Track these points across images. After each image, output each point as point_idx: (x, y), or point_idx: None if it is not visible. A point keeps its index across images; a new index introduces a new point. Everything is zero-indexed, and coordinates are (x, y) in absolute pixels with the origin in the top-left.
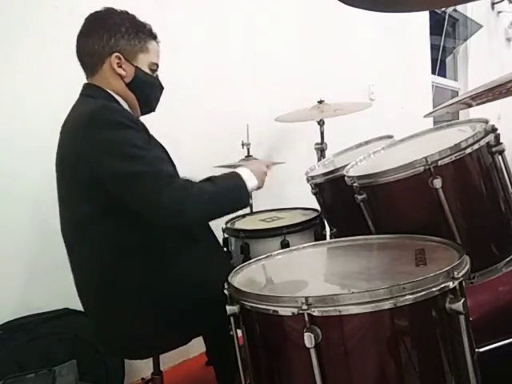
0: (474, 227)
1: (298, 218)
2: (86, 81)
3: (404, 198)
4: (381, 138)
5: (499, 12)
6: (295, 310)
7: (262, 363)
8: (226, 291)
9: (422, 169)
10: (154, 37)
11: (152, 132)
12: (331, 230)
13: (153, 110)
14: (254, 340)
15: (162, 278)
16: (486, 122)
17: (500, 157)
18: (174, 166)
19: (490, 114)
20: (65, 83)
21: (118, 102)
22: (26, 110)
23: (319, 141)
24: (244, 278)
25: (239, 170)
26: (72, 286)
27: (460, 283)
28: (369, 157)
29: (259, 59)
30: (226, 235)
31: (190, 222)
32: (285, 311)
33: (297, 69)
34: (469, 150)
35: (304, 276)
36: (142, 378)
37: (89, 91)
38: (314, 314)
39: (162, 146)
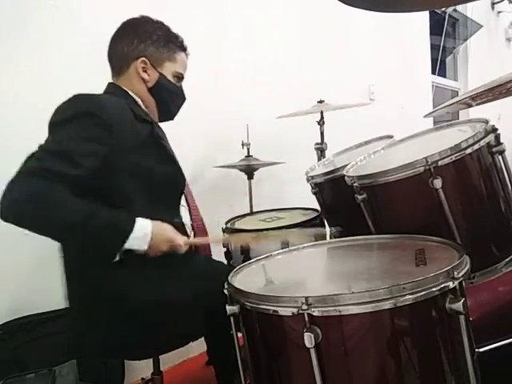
0: (474, 227)
1: (298, 218)
2: (86, 80)
3: (404, 198)
4: (381, 138)
5: (499, 12)
6: (295, 310)
7: (261, 363)
8: (225, 291)
9: (422, 169)
10: (183, 49)
11: None
12: (331, 230)
13: (171, 117)
14: (254, 340)
15: (162, 279)
16: (486, 122)
17: (500, 157)
18: (177, 164)
19: (490, 114)
20: (65, 83)
21: (135, 101)
22: (26, 110)
23: (319, 141)
24: (244, 277)
25: (142, 221)
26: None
27: (460, 283)
28: (369, 157)
29: (259, 59)
30: (225, 235)
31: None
32: (285, 311)
33: (297, 69)
34: (469, 151)
35: (304, 276)
36: (142, 378)
37: (109, 89)
38: (314, 313)
39: (164, 148)
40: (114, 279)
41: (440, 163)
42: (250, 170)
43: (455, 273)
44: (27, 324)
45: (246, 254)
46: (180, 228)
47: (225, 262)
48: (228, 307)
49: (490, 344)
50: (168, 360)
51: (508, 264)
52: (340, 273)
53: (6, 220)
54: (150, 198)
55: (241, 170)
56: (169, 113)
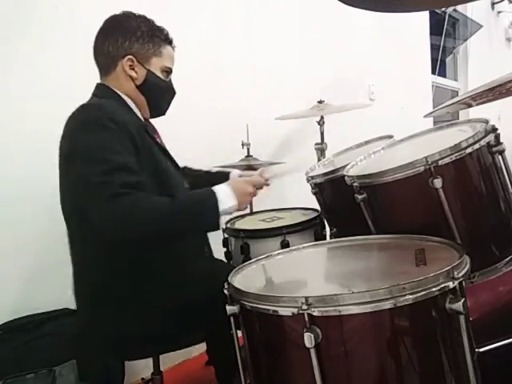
0: (474, 227)
1: (298, 217)
2: (85, 81)
3: (404, 198)
4: (381, 138)
5: (499, 12)
6: (295, 310)
7: (262, 363)
8: (226, 291)
9: (422, 169)
10: (169, 42)
11: None
12: (331, 229)
13: (163, 113)
14: (254, 340)
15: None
16: (486, 121)
17: (500, 157)
18: (178, 168)
19: (490, 114)
20: (65, 83)
21: (125, 103)
22: (26, 109)
23: (319, 141)
24: (244, 277)
25: (218, 188)
26: (72, 286)
27: (460, 283)
28: (369, 157)
29: (259, 59)
30: (225, 235)
31: (131, 237)
32: (285, 311)
33: (297, 69)
34: (469, 150)
35: (304, 276)
36: (142, 378)
37: (98, 91)
38: (314, 313)
39: (164, 150)
40: (121, 279)
41: (440, 163)
42: (249, 170)
43: (455, 273)
44: (27, 324)
45: (245, 254)
46: None
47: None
48: (228, 307)
49: (489, 344)
50: (168, 360)
51: (508, 264)
52: (340, 273)
53: (129, 242)
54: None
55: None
56: (160, 109)
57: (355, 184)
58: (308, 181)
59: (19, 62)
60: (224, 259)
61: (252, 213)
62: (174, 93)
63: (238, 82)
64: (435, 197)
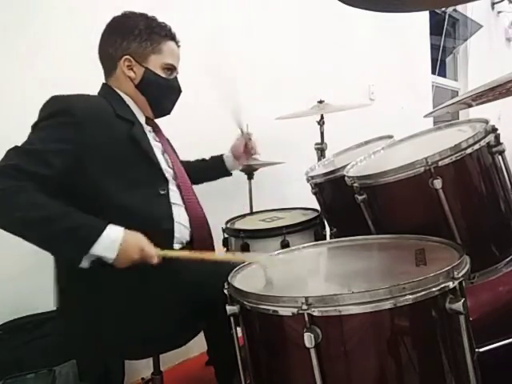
0: (474, 227)
1: (298, 217)
2: (85, 80)
3: (404, 199)
4: (381, 138)
5: (499, 12)
6: (295, 310)
7: (261, 363)
8: (225, 291)
9: (422, 169)
10: (170, 38)
11: None
12: (331, 229)
13: (167, 112)
14: (254, 340)
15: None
16: (486, 122)
17: (500, 157)
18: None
19: (490, 114)
20: (65, 83)
21: (124, 103)
22: (26, 108)
23: (319, 141)
24: (244, 277)
25: (110, 231)
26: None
27: (460, 283)
28: (369, 157)
29: (259, 59)
30: (225, 235)
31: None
32: (285, 311)
33: (297, 68)
34: (469, 151)
35: (304, 276)
36: (142, 378)
37: (101, 91)
38: (314, 313)
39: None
40: (115, 276)
41: (440, 163)
42: (249, 170)
43: (455, 273)
44: (27, 324)
45: None
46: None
47: None
48: (228, 307)
49: (489, 344)
50: (168, 360)
51: (508, 264)
52: (340, 273)
53: None
54: (127, 194)
55: (241, 170)
56: (162, 108)
57: (355, 185)
58: (308, 181)
59: (19, 62)
60: None
61: (252, 213)
62: (178, 90)
63: (238, 82)
64: (435, 197)
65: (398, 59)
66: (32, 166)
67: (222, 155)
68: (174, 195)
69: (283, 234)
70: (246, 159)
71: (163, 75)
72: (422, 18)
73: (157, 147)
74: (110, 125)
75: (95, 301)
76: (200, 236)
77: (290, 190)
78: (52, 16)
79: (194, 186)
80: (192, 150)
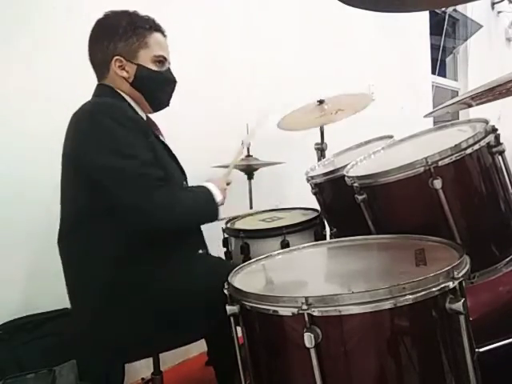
0: (474, 227)
1: (298, 217)
2: (85, 80)
3: (404, 199)
4: (381, 138)
5: (499, 12)
6: (295, 310)
7: (261, 363)
8: (226, 291)
9: (422, 169)
10: (156, 29)
11: None
12: (331, 229)
13: (164, 105)
14: (254, 340)
15: (161, 278)
16: (486, 122)
17: (500, 157)
18: (181, 167)
19: (490, 114)
20: (65, 83)
21: (126, 101)
22: (25, 108)
23: (319, 141)
24: (244, 277)
25: (208, 185)
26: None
27: (460, 283)
28: (369, 157)
29: (259, 59)
30: (225, 235)
31: (175, 228)
32: (285, 311)
33: (297, 68)
34: (469, 151)
35: (304, 276)
36: (142, 378)
37: (99, 91)
38: (314, 313)
39: (167, 147)
40: (125, 276)
41: (440, 163)
42: (250, 170)
43: (455, 273)
44: (27, 324)
45: (245, 254)
46: None
47: None
48: (228, 307)
49: (489, 344)
50: (168, 360)
51: (508, 264)
52: (340, 273)
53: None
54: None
55: (241, 170)
56: (159, 101)
57: (355, 185)
58: (308, 181)
59: (19, 62)
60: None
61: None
62: (173, 82)
63: (238, 82)
64: (435, 197)
65: (398, 59)
66: (158, 172)
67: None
68: None
69: (283, 234)
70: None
71: (155, 68)
72: (422, 18)
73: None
74: (145, 129)
75: (98, 302)
76: None
77: (289, 190)
78: (50, 15)
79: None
80: (192, 150)
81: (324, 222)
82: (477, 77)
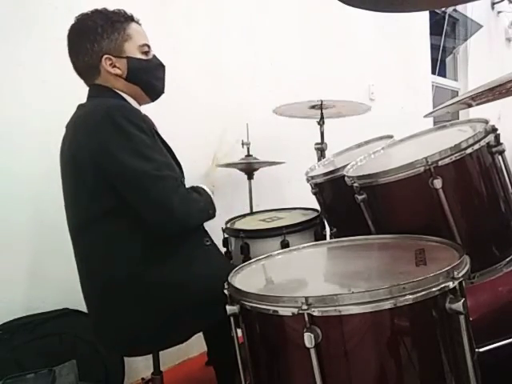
0: (474, 227)
1: (298, 218)
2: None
3: (404, 199)
4: (381, 138)
5: (499, 12)
6: (295, 310)
7: (261, 363)
8: (226, 291)
9: (422, 169)
10: (131, 19)
11: None
12: (331, 229)
13: (160, 92)
14: (254, 340)
15: (163, 275)
16: (486, 122)
17: (500, 157)
18: (180, 166)
19: (490, 114)
20: (65, 83)
21: (123, 98)
22: (27, 109)
23: (319, 141)
24: (244, 277)
25: (202, 186)
26: (72, 286)
27: (460, 283)
28: (369, 157)
29: (259, 59)
30: (225, 235)
31: (193, 227)
32: (285, 311)
33: (297, 68)
34: (469, 151)
35: (304, 276)
36: (142, 378)
37: (94, 92)
38: (314, 313)
39: (168, 146)
40: (138, 275)
41: (440, 163)
42: (250, 170)
43: (455, 273)
44: (27, 324)
45: (245, 254)
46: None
47: None
48: (228, 307)
49: (489, 344)
50: (168, 360)
51: (508, 264)
52: (340, 273)
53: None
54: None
55: (241, 170)
56: (155, 89)
57: (355, 184)
58: (308, 181)
59: (22, 63)
60: None
61: (252, 213)
62: (163, 67)
63: (238, 82)
64: (435, 197)
65: (398, 59)
66: (174, 173)
67: None
68: None
69: (283, 234)
70: None
71: (144, 57)
72: (422, 18)
73: None
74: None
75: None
76: None
77: (289, 190)
78: (52, 16)
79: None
80: (192, 150)
81: (324, 222)
82: (477, 77)
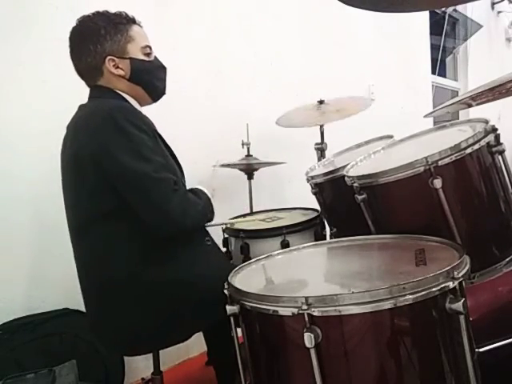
0: (474, 227)
1: (298, 218)
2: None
3: (404, 198)
4: (381, 138)
5: (499, 12)
6: (295, 310)
7: (261, 363)
8: (226, 291)
9: (422, 169)
10: (132, 21)
11: None
12: (331, 230)
13: (162, 93)
14: (254, 340)
15: (163, 275)
16: (486, 122)
17: (500, 157)
18: (180, 167)
19: (490, 114)
20: (66, 83)
21: (125, 99)
22: (27, 109)
23: (319, 141)
24: (244, 277)
25: (200, 187)
26: (72, 286)
27: (460, 283)
28: (369, 157)
29: (259, 59)
30: (225, 235)
31: (190, 229)
32: (285, 311)
33: (297, 68)
34: (469, 150)
35: (304, 276)
36: (142, 378)
37: (95, 93)
38: (314, 313)
39: (168, 147)
40: (138, 273)
41: (440, 163)
42: (250, 170)
43: (455, 273)
44: (27, 324)
45: (245, 254)
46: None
47: None
48: (228, 307)
49: (489, 344)
50: (168, 360)
51: (508, 264)
52: (340, 273)
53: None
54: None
55: (241, 170)
56: (158, 90)
57: (355, 184)
58: (308, 181)
59: (22, 63)
60: None
61: (252, 213)
62: (164, 69)
63: (239, 82)
64: (435, 197)
65: (398, 59)
66: (172, 175)
67: None
68: None
69: (283, 234)
70: None
71: (146, 59)
72: (422, 18)
73: None
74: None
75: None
76: None
77: (289, 190)
78: (52, 16)
79: (194, 185)
80: (192, 150)
81: (324, 222)
82: (477, 77)
